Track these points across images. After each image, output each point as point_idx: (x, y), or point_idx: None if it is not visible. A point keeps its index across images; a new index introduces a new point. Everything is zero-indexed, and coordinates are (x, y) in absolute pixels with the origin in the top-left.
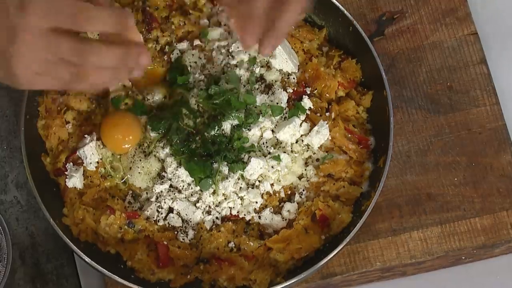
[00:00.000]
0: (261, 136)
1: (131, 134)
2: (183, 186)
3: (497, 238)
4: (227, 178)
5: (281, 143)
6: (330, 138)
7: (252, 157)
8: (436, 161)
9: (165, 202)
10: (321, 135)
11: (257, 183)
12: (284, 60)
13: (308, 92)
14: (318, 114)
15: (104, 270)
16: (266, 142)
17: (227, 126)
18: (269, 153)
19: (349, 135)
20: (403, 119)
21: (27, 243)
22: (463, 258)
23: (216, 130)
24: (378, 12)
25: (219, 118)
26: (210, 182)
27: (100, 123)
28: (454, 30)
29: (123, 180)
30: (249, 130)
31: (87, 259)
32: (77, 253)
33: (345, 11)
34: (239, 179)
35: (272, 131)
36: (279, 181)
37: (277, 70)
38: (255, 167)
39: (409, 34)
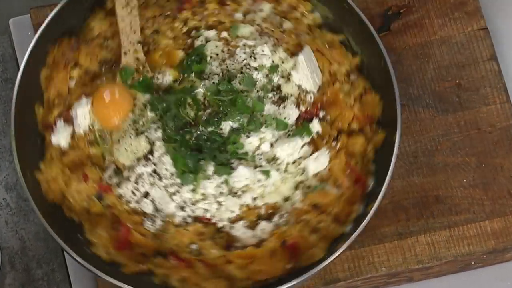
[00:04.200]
0: (259, 146)
1: (120, 110)
2: (166, 174)
3: (508, 242)
4: (209, 178)
5: (277, 159)
6: (328, 168)
7: (240, 165)
8: (444, 162)
9: (143, 186)
10: (319, 163)
11: (240, 192)
12: (305, 76)
13: (321, 116)
14: (324, 141)
15: (97, 270)
16: (261, 154)
17: (226, 126)
18: (261, 166)
19: (348, 171)
20: (409, 118)
21: (16, 247)
22: (473, 263)
23: (214, 127)
24: (383, 6)
25: (220, 116)
26: (192, 178)
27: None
28: (463, 25)
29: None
30: (248, 137)
31: (78, 258)
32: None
33: (379, 43)
34: (223, 183)
35: (272, 144)
36: (263, 197)
37: (296, 84)
38: (241, 175)
39: (416, 29)
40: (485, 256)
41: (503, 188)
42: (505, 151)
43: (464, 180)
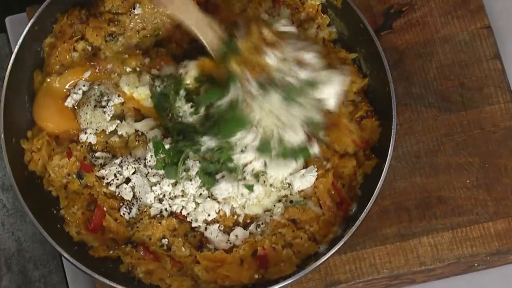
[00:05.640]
0: (251, 162)
1: (59, 119)
2: (151, 161)
3: None
4: (191, 180)
5: (267, 174)
6: (313, 186)
7: (223, 181)
8: (447, 162)
9: (126, 169)
10: (305, 180)
11: (220, 199)
12: None
13: (321, 137)
14: (316, 159)
15: (95, 274)
16: (250, 169)
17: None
18: (244, 178)
19: (333, 192)
20: (412, 117)
21: (13, 249)
22: (476, 265)
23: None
24: (385, 4)
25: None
26: (174, 172)
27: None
28: (466, 23)
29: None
30: (243, 152)
31: (72, 260)
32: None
33: (387, 69)
34: (204, 185)
35: (265, 163)
36: (244, 208)
37: None
38: (223, 189)
39: (419, 28)
40: (488, 258)
41: (507, 189)
42: (509, 151)
43: (467, 181)
